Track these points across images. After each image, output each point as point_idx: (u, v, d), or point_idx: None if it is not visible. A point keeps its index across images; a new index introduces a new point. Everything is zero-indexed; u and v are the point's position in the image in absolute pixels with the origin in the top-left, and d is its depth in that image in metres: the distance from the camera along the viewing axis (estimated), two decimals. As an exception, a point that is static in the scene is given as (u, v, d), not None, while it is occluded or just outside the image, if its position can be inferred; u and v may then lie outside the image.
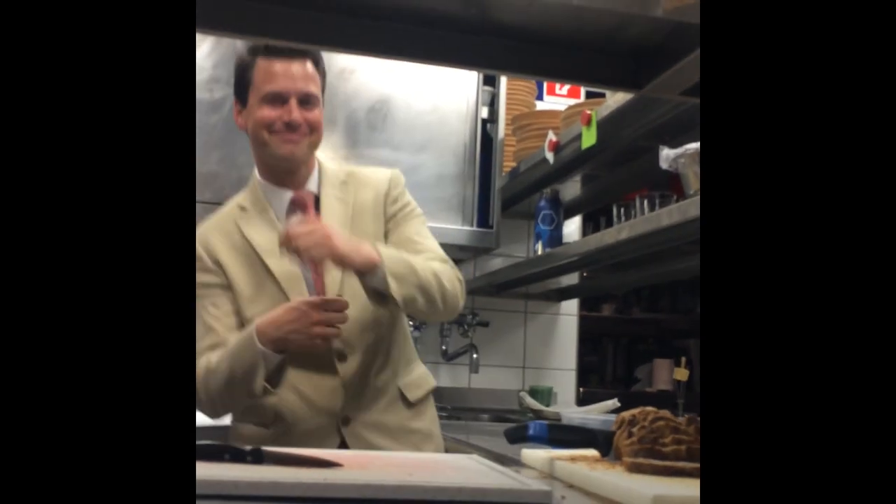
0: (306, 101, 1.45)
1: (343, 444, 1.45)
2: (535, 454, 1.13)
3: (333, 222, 1.45)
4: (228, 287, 1.46)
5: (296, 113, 1.43)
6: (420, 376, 1.58)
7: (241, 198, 1.54)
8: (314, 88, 1.47)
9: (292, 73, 1.44)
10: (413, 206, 1.58)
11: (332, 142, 2.44)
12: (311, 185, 1.52)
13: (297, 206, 1.49)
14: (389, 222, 1.53)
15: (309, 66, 1.46)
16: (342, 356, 1.45)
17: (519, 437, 1.06)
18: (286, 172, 1.50)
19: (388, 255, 1.38)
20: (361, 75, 2.49)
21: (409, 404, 1.52)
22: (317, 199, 1.51)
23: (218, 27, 0.95)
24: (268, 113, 1.44)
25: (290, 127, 1.44)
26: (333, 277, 1.45)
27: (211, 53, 2.36)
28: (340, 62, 2.49)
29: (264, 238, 1.46)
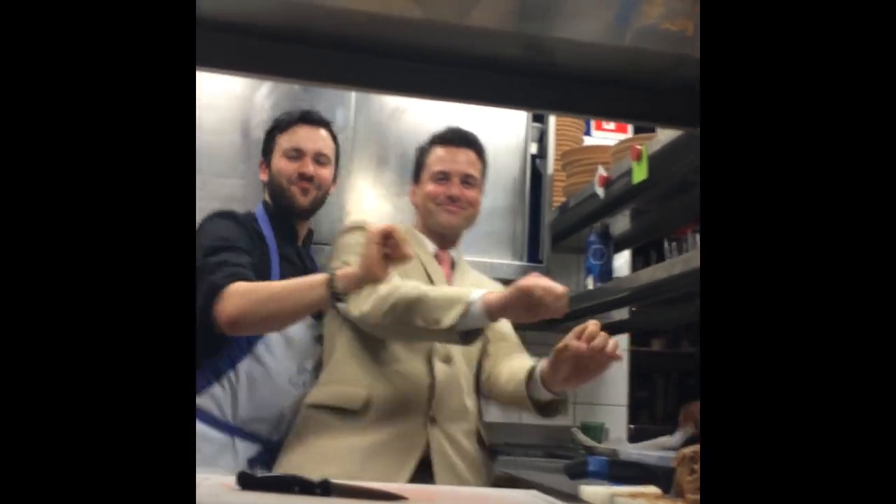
0: (466, 181, 1.74)
1: (427, 449, 1.53)
2: (594, 490, 1.13)
3: (467, 280, 1.76)
4: None
5: (456, 189, 1.72)
6: (487, 433, 1.71)
7: None
8: (474, 171, 1.76)
9: (457, 158, 1.74)
10: None
11: (384, 180, 2.50)
12: (453, 252, 1.81)
13: (438, 260, 1.77)
14: None
15: (472, 154, 1.77)
16: (448, 359, 1.62)
17: (579, 472, 1.07)
18: (441, 238, 1.79)
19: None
20: (412, 115, 2.54)
21: (483, 445, 1.65)
22: (453, 263, 1.80)
23: (284, 74, 0.99)
24: (434, 188, 1.73)
25: (452, 199, 1.73)
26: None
27: (269, 95, 2.45)
28: (392, 103, 2.55)
29: (426, 254, 1.75)
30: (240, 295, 1.47)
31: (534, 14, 0.98)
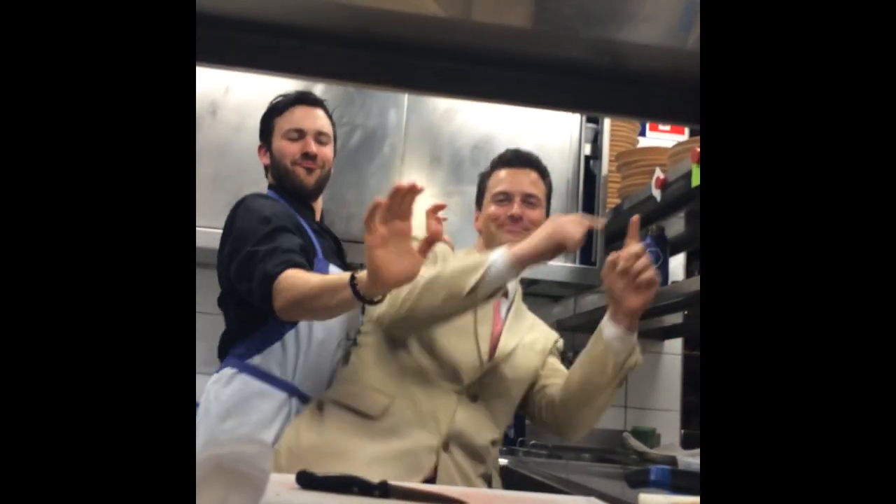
0: (527, 200, 1.72)
1: (434, 472, 1.50)
2: (654, 499, 1.11)
3: (522, 318, 1.76)
4: None
5: (517, 209, 1.70)
6: (497, 482, 1.66)
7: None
8: (536, 191, 1.73)
9: (519, 178, 1.72)
10: None
11: (437, 179, 2.50)
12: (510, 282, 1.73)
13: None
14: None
15: (534, 174, 1.75)
16: (475, 397, 1.58)
17: (640, 481, 1.05)
18: None
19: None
20: (465, 114, 2.54)
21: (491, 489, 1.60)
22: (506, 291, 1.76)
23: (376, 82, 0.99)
24: (495, 210, 1.72)
25: (513, 220, 1.70)
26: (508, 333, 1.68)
27: (323, 95, 2.47)
28: (445, 103, 2.55)
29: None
30: (288, 288, 1.48)
31: (599, 17, 0.96)
